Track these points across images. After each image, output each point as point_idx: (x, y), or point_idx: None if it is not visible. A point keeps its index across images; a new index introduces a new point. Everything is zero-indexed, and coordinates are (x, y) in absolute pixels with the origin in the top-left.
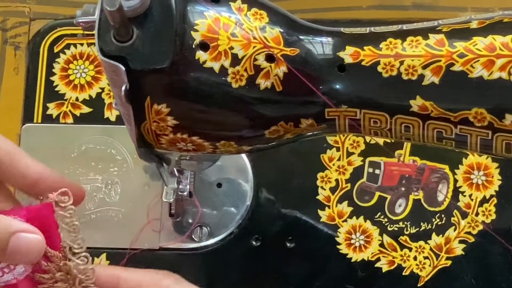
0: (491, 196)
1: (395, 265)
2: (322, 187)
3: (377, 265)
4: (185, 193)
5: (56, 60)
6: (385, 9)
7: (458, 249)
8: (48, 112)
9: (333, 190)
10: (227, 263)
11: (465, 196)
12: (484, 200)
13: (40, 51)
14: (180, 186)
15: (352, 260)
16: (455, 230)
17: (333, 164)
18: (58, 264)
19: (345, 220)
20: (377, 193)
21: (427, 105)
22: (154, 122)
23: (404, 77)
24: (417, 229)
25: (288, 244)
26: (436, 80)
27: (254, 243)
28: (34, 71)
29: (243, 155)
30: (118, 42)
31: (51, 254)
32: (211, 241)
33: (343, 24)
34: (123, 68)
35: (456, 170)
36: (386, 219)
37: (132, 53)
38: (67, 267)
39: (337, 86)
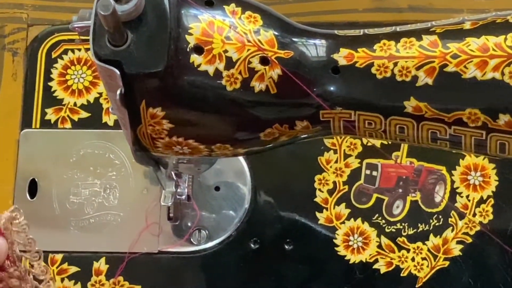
0: (488, 196)
1: (393, 266)
2: (319, 190)
3: (375, 266)
4: (183, 197)
5: (54, 65)
6: (381, 12)
7: (456, 250)
8: (47, 117)
9: (330, 192)
10: (226, 266)
11: (462, 197)
12: (481, 201)
13: (38, 56)
14: (178, 190)
15: (350, 262)
16: (452, 231)
17: (331, 167)
18: (8, 271)
19: (343, 222)
20: (375, 195)
21: (421, 106)
22: (150, 125)
23: (398, 78)
24: (415, 230)
25: (286, 247)
26: (429, 81)
27: (252, 245)
28: (32, 76)
29: (241, 158)
30: (112, 46)
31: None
32: (210, 244)
33: (339, 27)
34: (118, 72)
35: (453, 171)
36: (383, 221)
37: (127, 57)
38: (18, 273)
39: (332, 88)
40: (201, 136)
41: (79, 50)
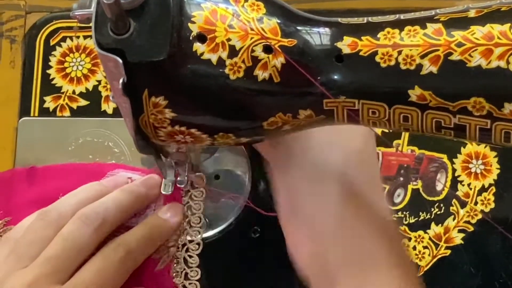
0: (490, 185)
1: None
2: None
3: None
4: (183, 185)
5: (53, 53)
6: None
7: (457, 239)
8: (45, 105)
9: None
10: (226, 255)
11: (463, 185)
12: (483, 189)
13: (36, 44)
14: (179, 178)
15: None
16: (454, 219)
17: None
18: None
19: None
20: None
21: (426, 94)
22: (152, 114)
23: (402, 67)
24: (416, 218)
25: None
26: (434, 69)
27: (253, 234)
28: (30, 64)
29: (241, 146)
30: (115, 34)
31: None
32: (210, 233)
33: (339, 14)
34: (121, 61)
35: (454, 159)
36: None
37: (130, 45)
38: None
39: (335, 77)
40: (204, 125)
41: (78, 37)
